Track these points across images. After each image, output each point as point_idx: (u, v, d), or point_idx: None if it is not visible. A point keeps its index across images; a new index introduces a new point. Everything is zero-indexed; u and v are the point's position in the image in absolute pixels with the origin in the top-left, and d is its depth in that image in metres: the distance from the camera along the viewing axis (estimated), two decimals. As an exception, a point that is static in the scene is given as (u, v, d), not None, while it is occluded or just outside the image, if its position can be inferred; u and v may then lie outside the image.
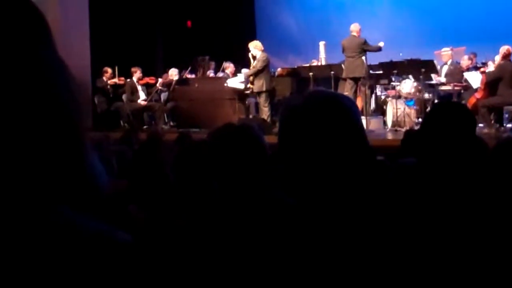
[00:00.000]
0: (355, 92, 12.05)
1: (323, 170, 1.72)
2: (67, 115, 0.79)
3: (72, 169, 0.79)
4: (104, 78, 14.62)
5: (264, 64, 12.25)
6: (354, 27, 12.30)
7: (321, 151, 1.71)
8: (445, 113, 2.61)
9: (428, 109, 10.44)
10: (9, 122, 0.72)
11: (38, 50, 0.78)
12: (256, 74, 12.26)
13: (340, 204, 1.72)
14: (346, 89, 12.22)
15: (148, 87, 14.86)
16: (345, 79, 12.67)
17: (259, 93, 12.38)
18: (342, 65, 12.63)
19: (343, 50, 12.30)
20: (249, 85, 12.80)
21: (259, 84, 12.28)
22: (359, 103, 11.77)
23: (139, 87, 14.67)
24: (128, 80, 14.71)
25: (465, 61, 12.58)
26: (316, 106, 1.74)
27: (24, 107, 0.73)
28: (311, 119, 1.72)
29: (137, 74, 14.68)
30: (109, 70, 14.72)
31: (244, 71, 14.19)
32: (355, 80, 12.05)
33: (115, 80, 14.74)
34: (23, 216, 0.73)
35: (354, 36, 12.21)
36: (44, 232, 0.74)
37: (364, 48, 12.00)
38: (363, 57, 12.07)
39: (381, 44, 12.26)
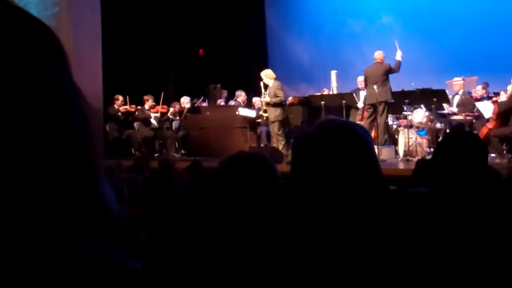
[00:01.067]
0: (373, 120, 11.98)
1: (335, 199, 1.71)
2: (81, 141, 0.79)
3: (85, 195, 0.79)
4: (116, 106, 14.70)
5: (283, 94, 12.31)
6: (378, 55, 12.29)
7: (334, 179, 1.70)
8: (457, 143, 2.60)
9: (440, 138, 10.41)
10: (22, 147, 0.72)
11: (53, 74, 0.79)
12: (274, 103, 12.26)
13: (351, 232, 1.71)
14: (365, 117, 12.19)
15: (159, 115, 14.92)
16: (357, 108, 12.66)
17: (273, 122, 12.33)
18: (354, 94, 12.66)
19: (366, 79, 12.29)
20: (261, 113, 12.77)
21: (276, 113, 12.24)
22: (373, 131, 11.74)
23: (154, 114, 14.75)
24: (139, 107, 14.79)
25: (479, 91, 12.55)
26: (329, 135, 1.74)
27: (37, 132, 0.73)
28: (323, 147, 1.72)
29: (149, 102, 14.78)
30: (120, 98, 14.81)
31: (256, 100, 14.22)
32: (374, 107, 12.04)
33: (127, 107, 14.82)
34: (38, 241, 0.73)
35: (379, 63, 12.19)
36: (57, 258, 0.74)
37: (392, 72, 11.97)
38: (388, 83, 12.04)
39: (398, 56, 12.25)
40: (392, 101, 11.98)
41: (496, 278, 2.21)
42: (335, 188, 1.71)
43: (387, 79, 11.99)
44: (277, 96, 12.20)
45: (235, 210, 2.21)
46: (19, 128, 0.72)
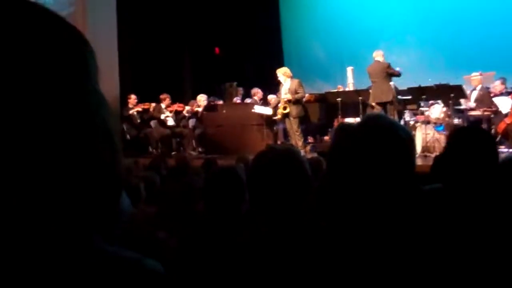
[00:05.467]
0: None
1: (365, 197, 1.71)
2: (103, 160, 0.80)
3: (107, 203, 0.81)
4: (130, 105, 14.71)
5: (303, 90, 12.47)
6: (377, 53, 12.46)
7: (367, 179, 1.70)
8: (465, 139, 2.59)
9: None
10: (51, 156, 0.73)
11: (84, 84, 0.79)
12: (297, 100, 12.33)
13: (371, 230, 1.71)
14: None
15: (176, 114, 14.95)
16: (372, 106, 12.66)
17: (295, 118, 12.38)
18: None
19: (369, 77, 12.37)
20: (280, 110, 12.74)
21: (298, 110, 12.37)
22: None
23: (168, 114, 14.77)
24: (155, 105, 14.81)
25: (498, 86, 12.44)
26: (372, 132, 1.74)
27: (66, 142, 0.75)
28: (365, 143, 1.72)
29: (166, 101, 14.80)
30: (133, 96, 14.81)
31: (272, 97, 14.20)
32: (383, 105, 12.05)
33: (138, 108, 14.81)
34: (66, 246, 0.76)
35: (378, 61, 12.34)
36: (78, 259, 0.76)
37: (388, 71, 12.07)
38: (390, 82, 12.10)
39: (398, 68, 12.28)
40: (390, 100, 11.99)
41: (509, 275, 2.19)
42: (367, 187, 1.71)
43: (387, 77, 12.13)
44: (298, 93, 12.27)
45: (261, 205, 2.18)
46: (47, 138, 0.73)
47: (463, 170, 2.51)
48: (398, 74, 12.23)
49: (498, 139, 11.08)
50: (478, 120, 11.89)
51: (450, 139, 2.82)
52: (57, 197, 0.74)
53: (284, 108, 12.39)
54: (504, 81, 12.64)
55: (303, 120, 12.68)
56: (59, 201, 0.74)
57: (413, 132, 12.24)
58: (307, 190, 2.14)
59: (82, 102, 0.78)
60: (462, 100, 12.10)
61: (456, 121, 12.06)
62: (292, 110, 12.34)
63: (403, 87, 12.76)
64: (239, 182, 3.17)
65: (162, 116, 14.70)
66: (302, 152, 11.36)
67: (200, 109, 14.55)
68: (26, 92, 0.72)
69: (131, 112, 14.65)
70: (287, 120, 12.57)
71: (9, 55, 0.72)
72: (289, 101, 12.34)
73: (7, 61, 0.72)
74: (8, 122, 0.70)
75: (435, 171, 5.10)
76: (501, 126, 10.94)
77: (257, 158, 2.27)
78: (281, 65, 14.04)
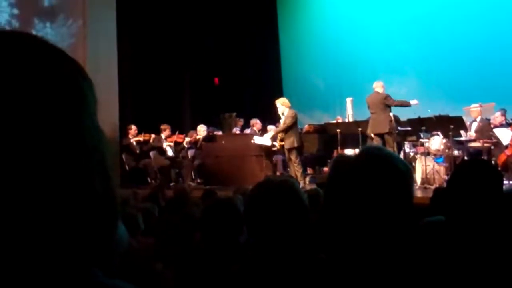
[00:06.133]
0: None
1: (363, 226, 1.70)
2: (97, 193, 0.79)
3: (102, 235, 0.81)
4: (130, 136, 14.73)
5: (294, 120, 12.33)
6: (377, 84, 12.45)
7: (365, 208, 1.68)
8: (471, 171, 2.57)
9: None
10: (45, 188, 0.73)
11: (80, 116, 0.79)
12: (287, 130, 12.28)
13: (370, 261, 1.69)
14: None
15: (176, 145, 14.96)
16: (372, 138, 12.68)
17: (289, 150, 12.33)
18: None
19: (368, 107, 12.37)
20: (276, 143, 12.77)
21: (290, 141, 12.29)
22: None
23: (167, 144, 14.78)
24: (155, 136, 14.82)
25: (498, 118, 12.44)
26: (370, 164, 1.72)
27: (61, 175, 0.74)
28: (362, 175, 1.70)
29: (166, 131, 14.82)
30: (133, 127, 14.83)
31: (271, 128, 14.23)
32: (381, 136, 12.04)
33: (139, 138, 14.82)
34: (62, 277, 0.76)
35: (378, 92, 12.32)
36: None
37: (386, 102, 12.04)
38: (389, 113, 12.10)
39: (414, 102, 12.25)
40: (387, 131, 12.01)
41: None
42: (364, 219, 1.69)
43: (385, 108, 12.13)
44: (285, 123, 12.29)
45: (259, 237, 2.17)
46: (46, 171, 0.73)
47: (468, 203, 2.48)
48: (400, 105, 12.22)
49: (498, 171, 11.02)
50: (478, 152, 11.88)
51: (457, 171, 2.80)
52: (52, 229, 0.74)
53: (281, 140, 12.42)
54: (504, 113, 12.64)
55: (300, 150, 12.64)
56: (55, 233, 0.74)
57: (413, 164, 12.23)
58: (305, 221, 2.13)
59: (78, 136, 0.78)
60: (462, 132, 12.09)
61: (456, 152, 12.04)
62: (285, 141, 12.38)
63: (403, 118, 12.76)
64: (236, 214, 3.15)
65: (164, 145, 14.71)
66: (301, 184, 11.36)
67: (200, 137, 14.57)
68: (21, 124, 0.71)
69: (130, 141, 14.65)
70: (286, 150, 12.57)
71: (4, 87, 0.71)
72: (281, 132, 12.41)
73: (2, 94, 0.71)
74: (4, 154, 0.70)
75: (435, 203, 5.08)
76: (501, 158, 10.93)
77: (254, 190, 2.26)
78: (280, 95, 14.08)
